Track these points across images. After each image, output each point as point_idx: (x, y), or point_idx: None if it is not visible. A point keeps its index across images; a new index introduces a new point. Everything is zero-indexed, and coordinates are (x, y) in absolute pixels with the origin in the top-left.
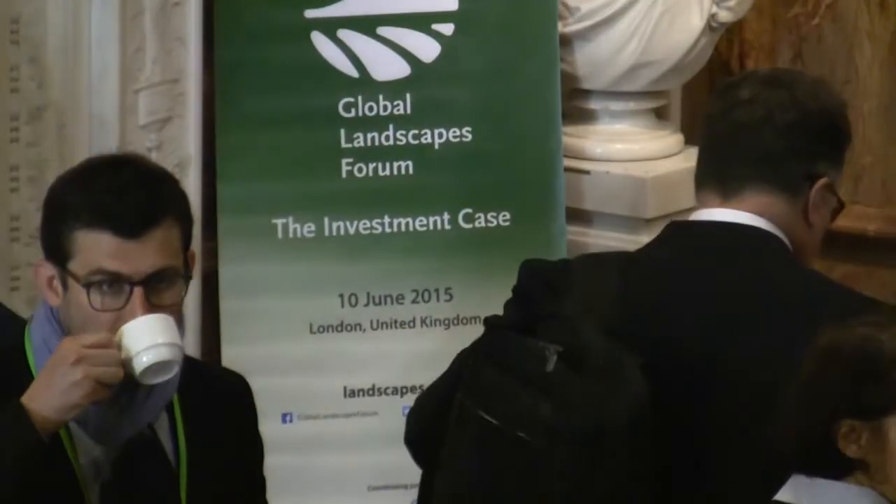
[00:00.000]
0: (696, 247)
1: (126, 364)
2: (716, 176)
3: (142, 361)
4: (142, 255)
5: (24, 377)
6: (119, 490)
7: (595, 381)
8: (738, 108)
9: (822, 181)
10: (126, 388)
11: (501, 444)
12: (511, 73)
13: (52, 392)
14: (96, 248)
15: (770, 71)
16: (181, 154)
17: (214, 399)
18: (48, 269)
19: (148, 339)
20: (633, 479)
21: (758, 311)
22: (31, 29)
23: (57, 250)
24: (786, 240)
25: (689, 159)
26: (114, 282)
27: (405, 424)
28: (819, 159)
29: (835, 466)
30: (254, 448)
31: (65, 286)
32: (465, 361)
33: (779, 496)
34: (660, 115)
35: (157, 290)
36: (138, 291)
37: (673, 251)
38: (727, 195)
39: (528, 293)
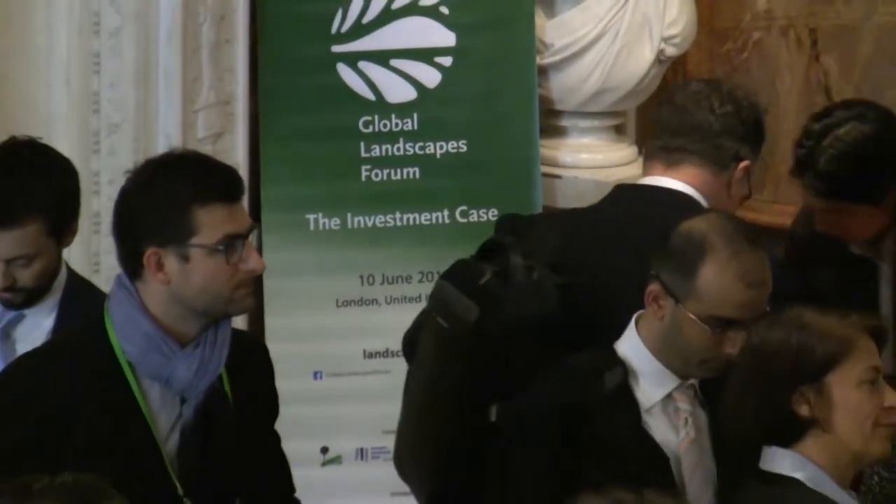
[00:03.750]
0: (631, 199)
1: None
2: (663, 149)
3: None
4: (242, 214)
5: (107, 355)
6: (198, 431)
7: (516, 290)
8: (687, 100)
9: (744, 163)
10: (206, 339)
11: (441, 336)
12: (498, 96)
13: None
14: (218, 218)
15: (714, 78)
16: (231, 162)
17: (245, 357)
18: (156, 255)
19: None
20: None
21: (642, 244)
22: (110, 61)
23: (174, 233)
24: (705, 204)
25: (641, 167)
26: (237, 240)
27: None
28: (745, 144)
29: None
30: (275, 399)
31: (186, 260)
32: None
33: (782, 470)
34: (618, 130)
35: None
36: (250, 243)
37: (613, 203)
38: (670, 165)
39: (496, 234)
